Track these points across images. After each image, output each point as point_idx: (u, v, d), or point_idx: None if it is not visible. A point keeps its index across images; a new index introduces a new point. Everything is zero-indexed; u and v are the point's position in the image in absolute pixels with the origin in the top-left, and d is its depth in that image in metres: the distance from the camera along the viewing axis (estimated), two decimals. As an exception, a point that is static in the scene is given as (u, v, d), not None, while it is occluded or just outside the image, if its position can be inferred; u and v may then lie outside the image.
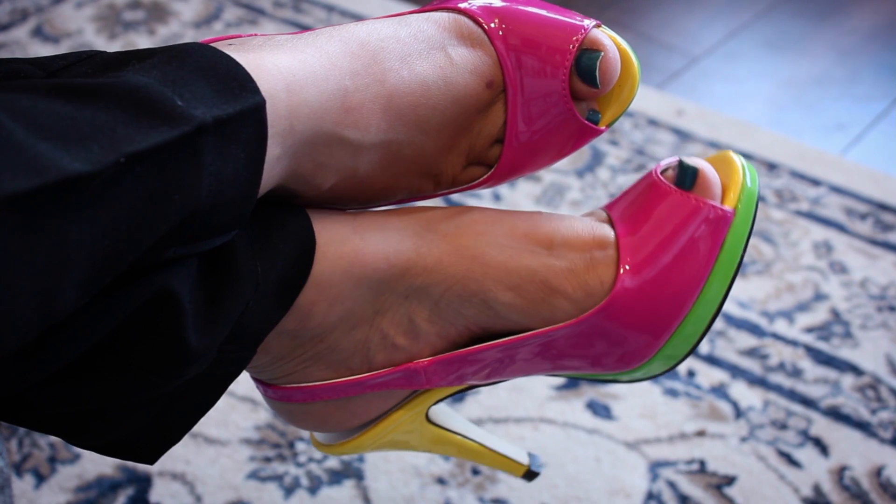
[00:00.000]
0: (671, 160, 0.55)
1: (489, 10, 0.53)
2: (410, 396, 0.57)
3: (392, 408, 0.57)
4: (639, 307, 0.53)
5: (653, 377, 0.57)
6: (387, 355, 0.54)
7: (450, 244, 0.53)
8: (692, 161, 0.54)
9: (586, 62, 0.52)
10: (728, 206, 0.53)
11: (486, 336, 0.55)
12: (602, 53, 0.52)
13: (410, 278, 0.52)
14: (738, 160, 0.54)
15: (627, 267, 0.53)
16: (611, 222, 0.55)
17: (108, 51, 0.46)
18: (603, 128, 0.54)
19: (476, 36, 0.52)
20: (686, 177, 0.53)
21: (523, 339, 0.54)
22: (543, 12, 0.53)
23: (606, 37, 0.53)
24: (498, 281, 0.53)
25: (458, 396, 0.86)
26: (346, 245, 0.51)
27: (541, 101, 0.52)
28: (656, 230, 0.53)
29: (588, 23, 0.53)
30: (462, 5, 0.53)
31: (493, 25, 0.52)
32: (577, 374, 0.57)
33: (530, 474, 0.62)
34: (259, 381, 0.56)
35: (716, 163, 0.55)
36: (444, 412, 0.60)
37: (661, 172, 0.55)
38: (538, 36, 0.52)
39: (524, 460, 0.62)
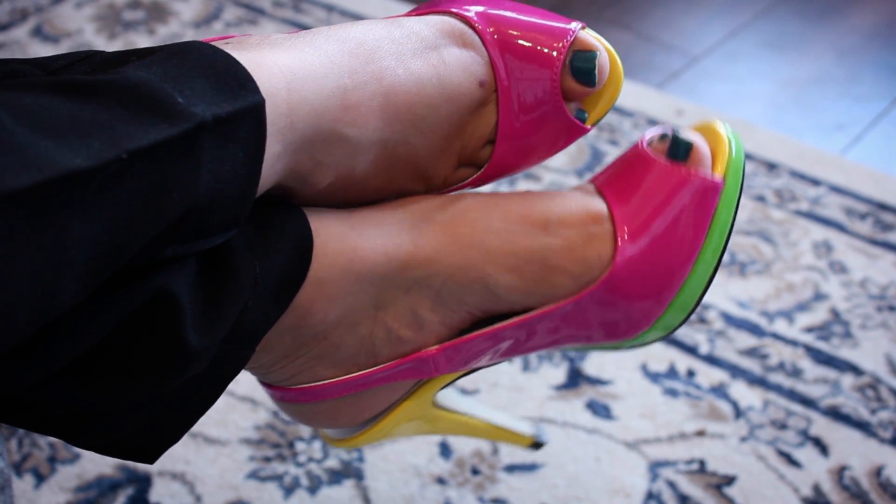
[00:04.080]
0: (658, 131, 0.56)
1: (481, 15, 0.54)
2: (417, 384, 0.58)
3: (400, 398, 0.58)
4: (639, 276, 0.54)
5: (648, 343, 0.58)
6: (392, 348, 0.54)
7: (447, 234, 0.53)
8: (685, 134, 0.55)
9: (582, 62, 0.53)
10: (718, 176, 0.54)
11: (488, 319, 0.55)
12: (597, 53, 0.53)
13: (411, 271, 0.53)
14: (724, 130, 0.56)
15: (626, 237, 0.54)
16: (601, 195, 0.56)
17: (107, 50, 0.46)
18: (589, 126, 0.55)
19: (468, 37, 0.53)
20: (679, 150, 0.54)
21: (529, 320, 0.54)
22: (533, 18, 0.55)
23: (594, 38, 0.55)
24: (497, 266, 0.53)
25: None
26: (343, 242, 0.51)
27: (532, 101, 0.53)
28: (650, 201, 0.54)
29: (574, 25, 0.54)
30: (454, 9, 0.54)
31: (485, 28, 0.53)
32: (581, 346, 0.58)
33: (537, 445, 0.64)
34: (268, 385, 0.56)
35: (702, 133, 0.56)
36: (446, 394, 0.61)
37: (648, 144, 0.56)
38: (529, 38, 0.53)
39: (530, 432, 0.63)
